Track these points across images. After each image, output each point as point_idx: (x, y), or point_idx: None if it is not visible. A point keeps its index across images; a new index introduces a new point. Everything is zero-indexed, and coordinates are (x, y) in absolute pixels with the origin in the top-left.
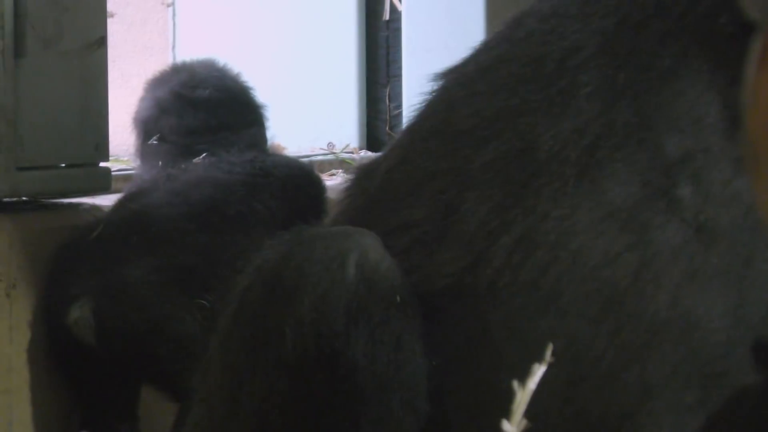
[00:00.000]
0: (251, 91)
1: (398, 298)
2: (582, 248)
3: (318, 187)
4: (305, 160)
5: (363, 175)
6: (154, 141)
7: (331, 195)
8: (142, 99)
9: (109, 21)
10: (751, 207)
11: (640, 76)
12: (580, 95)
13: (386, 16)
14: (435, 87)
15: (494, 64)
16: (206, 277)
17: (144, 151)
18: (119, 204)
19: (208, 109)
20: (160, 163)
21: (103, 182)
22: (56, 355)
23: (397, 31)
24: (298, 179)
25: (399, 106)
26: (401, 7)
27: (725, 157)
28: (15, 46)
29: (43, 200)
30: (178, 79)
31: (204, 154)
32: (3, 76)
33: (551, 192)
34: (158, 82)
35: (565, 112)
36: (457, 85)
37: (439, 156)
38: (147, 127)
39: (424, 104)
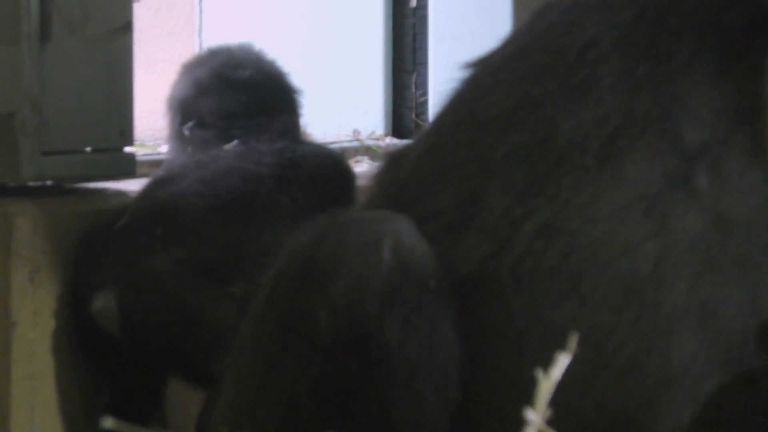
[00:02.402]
0: (288, 77)
1: (432, 283)
2: (603, 236)
3: (347, 177)
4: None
5: (392, 164)
6: (189, 125)
7: (358, 181)
8: (179, 80)
9: (136, 6)
10: None
11: (658, 67)
12: (601, 86)
13: (413, 3)
14: (462, 76)
15: (518, 54)
16: (233, 268)
17: (176, 134)
18: (146, 191)
19: (248, 91)
20: (190, 148)
21: (128, 167)
22: (81, 342)
23: (424, 18)
24: (328, 170)
25: (425, 93)
26: None
27: (742, 147)
28: (40, 31)
29: (67, 185)
30: (217, 60)
31: (235, 141)
32: (28, 61)
33: (573, 180)
34: (196, 64)
35: (586, 102)
36: (483, 74)
37: (465, 145)
38: (185, 108)
39: (451, 93)
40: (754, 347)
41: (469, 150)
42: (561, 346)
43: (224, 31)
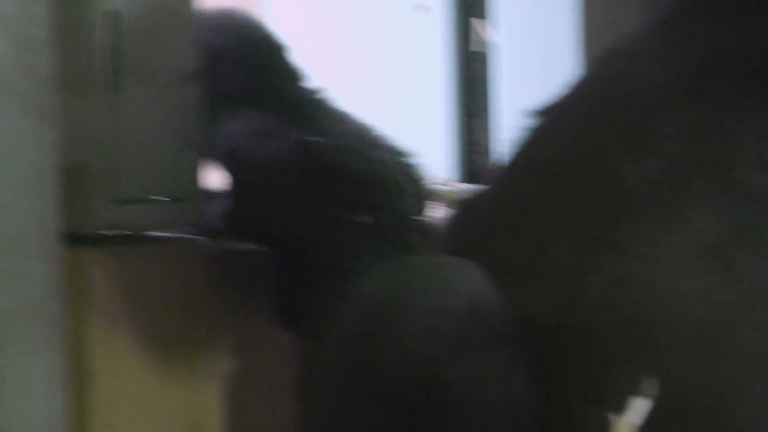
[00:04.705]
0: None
1: (503, 331)
2: (673, 286)
3: None
4: None
5: (462, 212)
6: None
7: (428, 227)
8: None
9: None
10: None
11: (723, 115)
12: (666, 134)
13: (480, 47)
14: (528, 123)
15: (582, 103)
16: None
17: None
18: None
19: None
20: None
21: (201, 215)
22: None
23: (491, 62)
24: None
25: (493, 137)
26: (494, 39)
27: None
28: (111, 81)
29: (140, 233)
30: None
31: None
32: (100, 111)
33: (641, 231)
34: None
35: (652, 150)
36: (549, 123)
37: (532, 194)
38: None
39: (517, 140)
40: None
41: (536, 199)
42: (635, 394)
43: None
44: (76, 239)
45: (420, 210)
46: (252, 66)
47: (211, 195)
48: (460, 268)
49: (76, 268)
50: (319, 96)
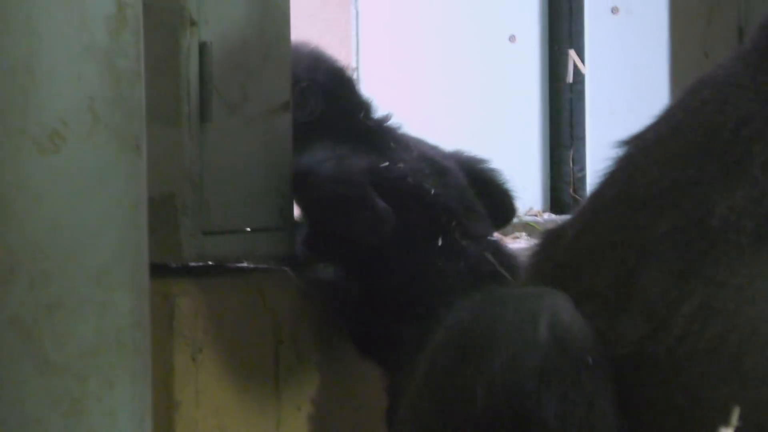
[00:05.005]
0: None
1: (590, 360)
2: (761, 316)
3: None
4: None
5: (549, 242)
6: None
7: (518, 259)
8: None
9: None
10: None
11: None
12: (755, 164)
13: (570, 78)
14: (617, 154)
15: (671, 132)
16: None
17: None
18: None
19: None
20: None
21: (288, 246)
22: None
23: (581, 93)
24: None
25: (583, 168)
26: (585, 70)
27: None
28: (200, 111)
29: (228, 264)
30: None
31: None
32: (189, 141)
33: (729, 261)
34: None
35: (740, 181)
36: (637, 153)
37: (620, 225)
38: None
39: (606, 171)
40: None
41: (624, 230)
42: (723, 424)
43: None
44: (163, 270)
45: (500, 225)
46: (321, 97)
47: (298, 225)
48: (547, 298)
49: (163, 299)
50: (387, 124)
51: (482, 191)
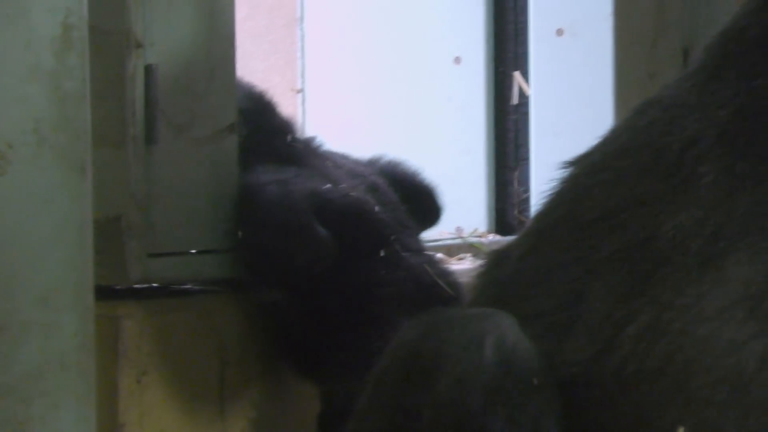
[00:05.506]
0: None
1: (536, 381)
2: (707, 336)
3: None
4: (433, 244)
5: (495, 263)
6: None
7: (462, 280)
8: None
9: None
10: None
11: (758, 165)
12: (701, 185)
13: (515, 100)
14: (562, 175)
15: (618, 153)
16: None
17: None
18: None
19: None
20: None
21: (234, 268)
22: None
23: (526, 114)
24: None
25: (527, 189)
26: (530, 91)
27: None
28: (146, 133)
29: (174, 286)
30: None
31: None
32: (134, 163)
33: (675, 281)
34: None
35: (687, 201)
36: (584, 174)
37: (567, 246)
38: None
39: (552, 192)
40: None
41: (571, 251)
42: None
43: (326, 131)
44: (109, 292)
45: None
46: (244, 121)
47: (241, 245)
48: (493, 319)
49: (108, 321)
50: (313, 143)
51: (407, 194)
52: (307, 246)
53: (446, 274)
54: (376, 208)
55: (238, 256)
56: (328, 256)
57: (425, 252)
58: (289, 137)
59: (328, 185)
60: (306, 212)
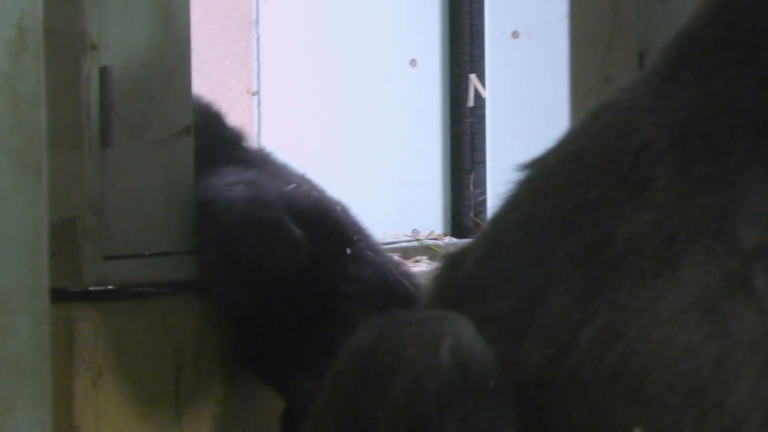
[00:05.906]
0: None
1: (492, 384)
2: (663, 339)
3: None
4: (389, 247)
5: (451, 265)
6: None
7: (418, 282)
8: None
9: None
10: None
11: (713, 168)
12: (656, 188)
13: (471, 102)
14: (518, 178)
15: (574, 156)
16: None
17: None
18: None
19: None
20: None
21: (190, 271)
22: None
23: (482, 117)
24: None
25: (483, 192)
26: (485, 94)
27: None
28: (101, 136)
29: (129, 289)
30: None
31: None
32: (89, 166)
33: (631, 284)
34: None
35: (642, 204)
36: (539, 176)
37: (523, 248)
38: None
39: (508, 195)
40: None
41: (526, 253)
42: None
43: (282, 134)
44: (64, 294)
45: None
46: (197, 136)
47: (206, 246)
48: (449, 322)
49: (63, 324)
50: (264, 151)
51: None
52: (286, 244)
53: (409, 275)
54: (338, 208)
55: (201, 257)
56: (304, 254)
57: (385, 252)
58: (242, 144)
59: (292, 185)
60: (281, 210)
